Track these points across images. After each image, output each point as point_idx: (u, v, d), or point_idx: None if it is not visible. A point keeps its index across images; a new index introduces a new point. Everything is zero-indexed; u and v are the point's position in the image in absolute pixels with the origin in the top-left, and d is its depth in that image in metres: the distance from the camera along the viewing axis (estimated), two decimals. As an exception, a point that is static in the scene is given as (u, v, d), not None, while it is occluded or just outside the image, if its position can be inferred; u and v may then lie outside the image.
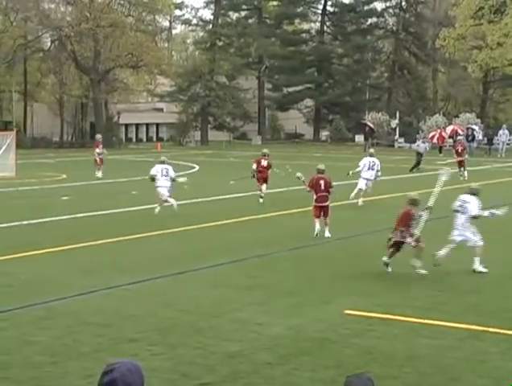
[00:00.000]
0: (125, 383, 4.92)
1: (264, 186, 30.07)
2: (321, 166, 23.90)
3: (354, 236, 22.36)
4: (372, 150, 34.07)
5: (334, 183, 23.44)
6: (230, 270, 17.65)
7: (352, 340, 12.24)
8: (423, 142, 49.88)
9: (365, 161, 31.08)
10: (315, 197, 22.96)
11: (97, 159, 41.94)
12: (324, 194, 22.97)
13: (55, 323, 13.21)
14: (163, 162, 27.54)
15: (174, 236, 22.44)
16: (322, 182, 23.05)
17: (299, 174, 24.11)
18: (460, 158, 41.90)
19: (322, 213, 22.70)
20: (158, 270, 17.28)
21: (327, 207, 22.89)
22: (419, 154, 46.61)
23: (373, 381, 5.00)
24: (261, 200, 29.52)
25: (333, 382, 10.48)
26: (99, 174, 40.92)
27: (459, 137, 53.45)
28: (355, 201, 29.51)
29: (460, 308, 14.09)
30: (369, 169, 30.49)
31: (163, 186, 26.78)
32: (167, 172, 26.96)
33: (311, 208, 23.57)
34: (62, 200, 30.56)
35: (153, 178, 27.13)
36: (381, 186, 35.51)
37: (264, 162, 30.54)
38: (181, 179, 29.13)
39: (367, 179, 30.45)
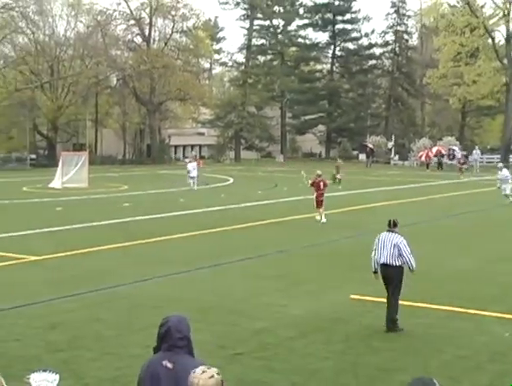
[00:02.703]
0: (177, 330, 5.27)
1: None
2: (319, 172, 27.07)
3: (356, 236, 22.29)
4: (500, 165, 35.77)
5: (343, 193, 23.50)
6: (257, 263, 17.66)
7: (357, 319, 12.22)
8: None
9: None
10: (315, 194, 25.98)
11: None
12: (322, 191, 26.03)
13: (117, 305, 13.27)
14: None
15: (211, 235, 22.40)
16: (321, 183, 26.32)
17: (303, 172, 27.03)
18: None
19: (320, 205, 25.53)
20: (199, 263, 17.31)
21: (323, 200, 25.80)
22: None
23: (435, 383, 4.34)
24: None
25: (342, 352, 10.47)
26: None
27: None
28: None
29: (444, 294, 14.02)
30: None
31: None
32: None
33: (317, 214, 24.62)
34: (124, 206, 30.69)
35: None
36: (381, 195, 35.48)
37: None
38: None
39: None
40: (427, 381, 4.37)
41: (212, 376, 4.48)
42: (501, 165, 34.91)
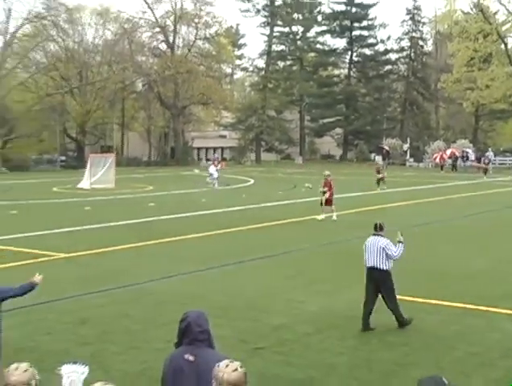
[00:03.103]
0: (197, 324, 5.35)
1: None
2: (327, 172, 26.76)
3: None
4: None
5: (359, 193, 23.50)
6: (277, 261, 17.67)
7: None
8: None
9: None
10: (328, 193, 25.76)
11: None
12: (332, 191, 25.91)
13: (143, 301, 13.34)
14: None
15: (233, 233, 22.46)
16: (332, 182, 26.25)
17: (307, 184, 27.04)
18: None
19: (330, 203, 25.67)
20: (222, 260, 17.36)
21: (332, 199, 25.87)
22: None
23: (445, 382, 4.28)
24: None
25: (357, 348, 10.48)
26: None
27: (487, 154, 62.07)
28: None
29: (456, 292, 13.97)
30: None
31: None
32: None
33: (332, 214, 24.61)
34: (149, 206, 30.82)
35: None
36: (398, 196, 35.37)
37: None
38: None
39: None
40: (438, 380, 4.32)
41: (236, 369, 4.54)
42: None
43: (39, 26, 67.33)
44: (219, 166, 44.86)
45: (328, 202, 25.88)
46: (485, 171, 53.29)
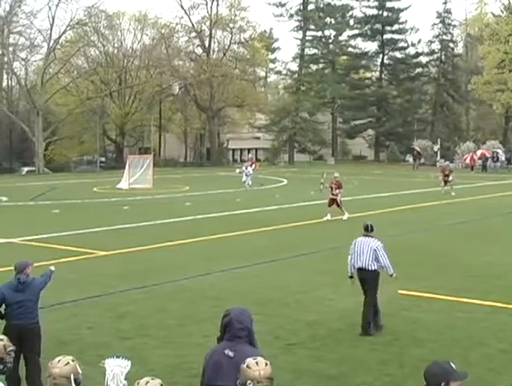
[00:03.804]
0: (238, 321, 5.34)
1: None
2: (336, 174, 26.70)
3: (403, 234, 22.10)
4: None
5: (391, 193, 23.31)
6: (309, 259, 17.67)
7: (402, 313, 12.16)
8: None
9: None
10: (339, 190, 25.63)
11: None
12: (337, 191, 25.53)
13: (181, 296, 13.45)
14: None
15: (267, 232, 22.50)
16: (339, 183, 25.86)
17: (322, 180, 26.68)
18: None
19: (332, 203, 25.31)
20: (256, 258, 17.42)
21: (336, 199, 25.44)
22: None
23: (446, 369, 4.53)
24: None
25: (388, 344, 10.44)
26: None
27: None
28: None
29: (486, 289, 13.84)
30: None
31: None
32: None
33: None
34: (186, 205, 30.98)
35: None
36: (422, 196, 35.07)
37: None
38: None
39: None
40: (443, 362, 4.62)
41: (267, 364, 4.59)
42: None
43: (80, 33, 68.11)
44: (253, 166, 44.97)
45: (336, 203, 25.62)
46: None
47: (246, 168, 43.61)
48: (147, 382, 4.36)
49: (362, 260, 10.97)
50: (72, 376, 4.40)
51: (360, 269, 11.05)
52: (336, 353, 10.06)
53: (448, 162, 42.04)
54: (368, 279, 11.03)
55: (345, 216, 25.34)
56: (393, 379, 8.95)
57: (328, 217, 25.27)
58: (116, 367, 4.51)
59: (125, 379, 4.48)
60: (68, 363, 4.45)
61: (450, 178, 35.86)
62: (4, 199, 29.18)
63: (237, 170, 46.80)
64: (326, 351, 10.17)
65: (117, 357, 4.45)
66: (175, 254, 18.32)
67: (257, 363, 4.61)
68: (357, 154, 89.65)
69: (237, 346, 5.25)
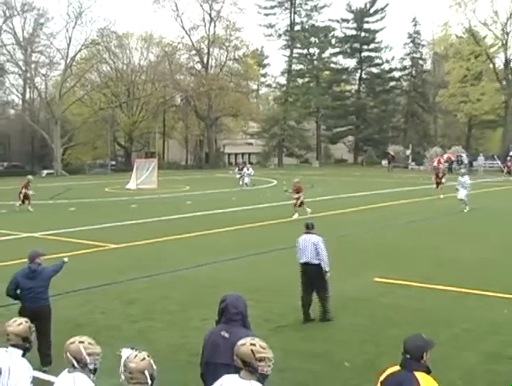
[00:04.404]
0: (234, 306, 5.33)
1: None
2: (296, 179, 26.57)
3: (379, 229, 22.13)
4: (463, 171, 28.82)
5: (368, 193, 23.24)
6: (292, 252, 17.62)
7: (379, 299, 12.17)
8: None
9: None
10: (299, 194, 24.97)
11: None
12: (296, 195, 24.95)
13: (181, 285, 13.42)
14: None
15: (259, 227, 22.43)
16: (298, 187, 25.33)
17: (285, 188, 26.28)
18: None
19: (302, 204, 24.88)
20: (248, 250, 17.41)
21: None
22: None
23: (426, 340, 4.86)
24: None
25: (367, 326, 10.44)
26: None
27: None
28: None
29: (452, 278, 13.88)
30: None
31: None
32: None
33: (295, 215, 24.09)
34: (187, 204, 30.93)
35: None
36: (396, 195, 35.13)
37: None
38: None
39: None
40: (420, 335, 4.93)
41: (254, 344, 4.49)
42: (463, 171, 29.86)
43: (93, 51, 68.03)
44: (244, 169, 44.63)
45: (300, 203, 25.00)
46: (509, 172, 51.26)
47: (248, 169, 43.03)
48: (136, 355, 4.28)
49: (306, 255, 10.66)
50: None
51: (305, 264, 10.70)
52: (321, 334, 10.06)
53: (442, 166, 39.91)
54: (313, 274, 10.63)
55: (295, 216, 24.26)
56: (369, 357, 8.95)
57: (296, 216, 24.37)
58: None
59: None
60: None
61: (443, 180, 34.36)
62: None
63: (235, 173, 46.56)
64: (312, 332, 10.16)
65: (132, 348, 4.37)
66: (175, 247, 18.29)
67: (244, 343, 4.54)
68: (339, 158, 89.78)
69: (232, 329, 5.25)
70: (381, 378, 4.94)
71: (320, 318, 10.65)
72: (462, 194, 26.88)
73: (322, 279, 10.68)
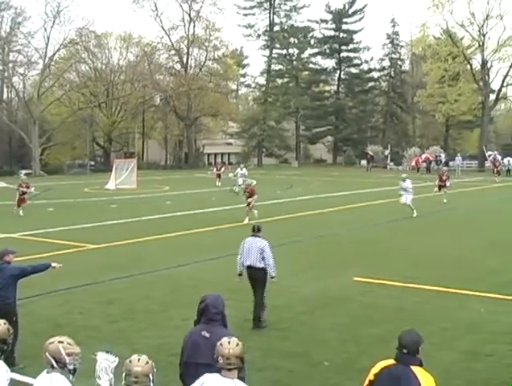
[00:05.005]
0: (214, 306, 5.41)
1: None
2: (249, 181, 26.73)
3: (358, 229, 22.26)
4: (404, 176, 27.18)
5: (347, 193, 23.27)
6: (277, 251, 17.52)
7: (358, 298, 12.25)
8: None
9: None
10: (252, 198, 24.40)
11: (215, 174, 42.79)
12: (250, 199, 24.34)
13: (162, 285, 13.40)
14: None
15: (238, 227, 22.03)
16: (252, 190, 24.84)
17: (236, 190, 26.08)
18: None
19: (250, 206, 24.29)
20: (225, 251, 17.32)
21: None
22: None
23: (420, 335, 5.07)
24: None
25: (346, 325, 10.50)
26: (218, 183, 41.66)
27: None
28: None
29: (430, 277, 14.01)
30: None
31: None
32: None
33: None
34: (166, 204, 30.83)
35: None
36: (375, 195, 35.32)
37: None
38: None
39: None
40: (414, 330, 5.16)
41: (238, 344, 4.63)
42: (404, 176, 27.33)
43: (72, 51, 67.47)
44: (222, 169, 44.30)
45: (250, 205, 24.43)
46: (497, 173, 50.79)
47: (242, 169, 40.27)
48: (139, 359, 4.34)
49: (251, 259, 10.51)
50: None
51: (249, 267, 10.57)
52: (300, 333, 10.09)
53: (446, 168, 36.61)
54: (257, 277, 10.53)
55: (246, 220, 23.21)
56: (349, 356, 9.01)
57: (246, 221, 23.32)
58: (104, 361, 4.48)
59: (112, 372, 4.43)
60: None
61: (448, 183, 31.82)
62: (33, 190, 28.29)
63: (209, 172, 46.00)
64: (291, 331, 10.19)
65: (107, 352, 4.40)
66: (156, 247, 18.23)
67: (229, 343, 4.62)
68: (318, 158, 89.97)
69: (212, 329, 5.28)
70: (375, 370, 5.00)
71: (252, 326, 10.35)
72: (405, 199, 25.57)
73: (263, 285, 10.52)
